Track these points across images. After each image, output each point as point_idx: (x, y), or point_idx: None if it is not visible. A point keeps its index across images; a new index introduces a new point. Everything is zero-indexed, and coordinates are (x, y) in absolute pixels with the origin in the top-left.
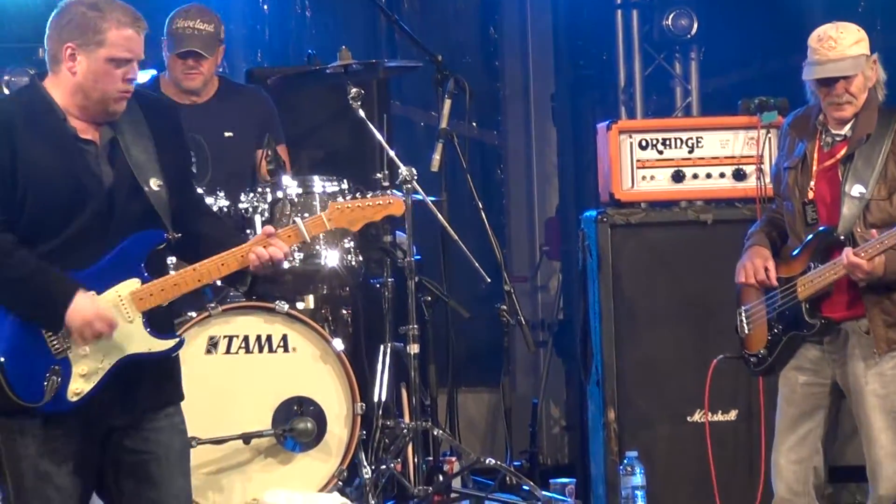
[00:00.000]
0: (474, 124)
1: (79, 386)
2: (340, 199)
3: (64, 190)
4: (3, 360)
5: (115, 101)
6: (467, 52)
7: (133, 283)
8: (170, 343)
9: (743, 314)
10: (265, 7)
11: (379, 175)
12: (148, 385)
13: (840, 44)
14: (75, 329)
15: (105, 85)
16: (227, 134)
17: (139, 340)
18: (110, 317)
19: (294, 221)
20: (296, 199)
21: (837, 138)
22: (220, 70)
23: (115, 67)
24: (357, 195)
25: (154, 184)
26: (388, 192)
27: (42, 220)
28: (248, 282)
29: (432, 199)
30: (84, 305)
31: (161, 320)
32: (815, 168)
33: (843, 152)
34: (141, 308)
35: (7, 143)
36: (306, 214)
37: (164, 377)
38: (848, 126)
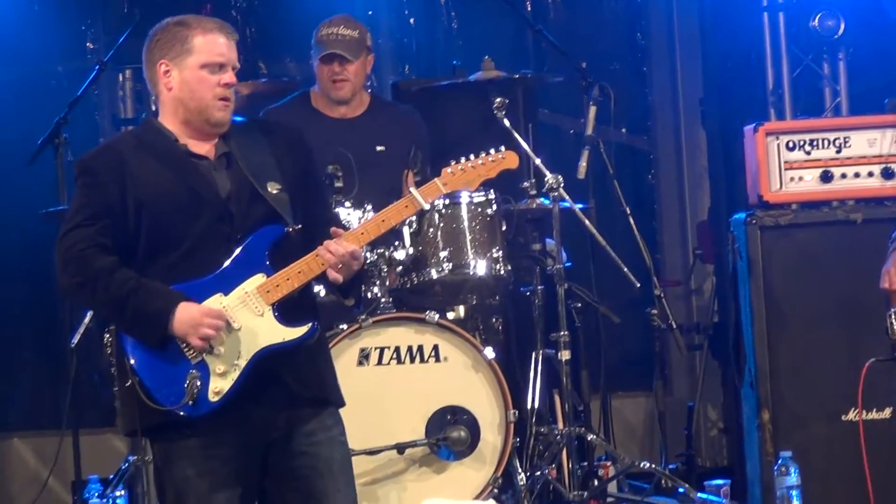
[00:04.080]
0: (624, 130)
1: (218, 385)
2: (453, 162)
3: (179, 202)
4: (140, 374)
5: (215, 108)
6: (615, 58)
7: (258, 278)
8: (302, 330)
9: (892, 316)
10: (412, 20)
11: (526, 183)
12: (298, 383)
13: None
14: (186, 337)
15: (201, 93)
16: (378, 148)
17: (271, 332)
18: (215, 312)
19: (410, 192)
20: (443, 210)
21: None
22: (369, 84)
23: (209, 74)
24: (471, 156)
25: (273, 188)
26: (501, 147)
27: (161, 233)
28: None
29: (581, 206)
30: (186, 313)
31: (292, 310)
32: None
33: None
34: (269, 300)
35: (117, 173)
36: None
37: (313, 374)
38: None
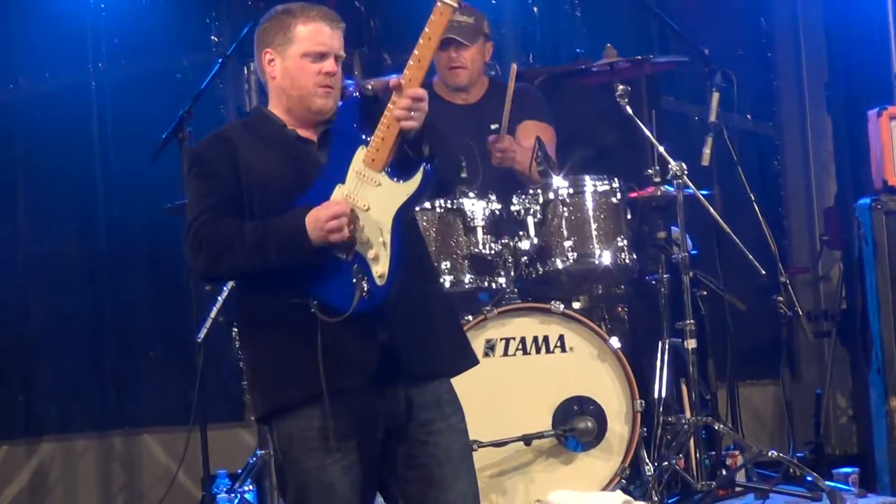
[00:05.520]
0: (749, 116)
1: (378, 269)
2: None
3: (290, 185)
4: (316, 294)
5: (315, 96)
6: (739, 44)
7: (360, 152)
8: (418, 175)
9: None
10: (535, 9)
11: (650, 171)
12: (415, 358)
13: None
14: (324, 241)
15: (301, 81)
16: (494, 127)
17: (396, 193)
18: (331, 203)
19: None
20: (567, 200)
21: None
22: (492, 73)
23: (310, 63)
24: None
25: None
26: None
27: (272, 214)
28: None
29: (704, 193)
30: (311, 219)
31: (402, 165)
32: None
33: None
34: (378, 167)
35: (229, 160)
36: None
37: (431, 344)
38: None
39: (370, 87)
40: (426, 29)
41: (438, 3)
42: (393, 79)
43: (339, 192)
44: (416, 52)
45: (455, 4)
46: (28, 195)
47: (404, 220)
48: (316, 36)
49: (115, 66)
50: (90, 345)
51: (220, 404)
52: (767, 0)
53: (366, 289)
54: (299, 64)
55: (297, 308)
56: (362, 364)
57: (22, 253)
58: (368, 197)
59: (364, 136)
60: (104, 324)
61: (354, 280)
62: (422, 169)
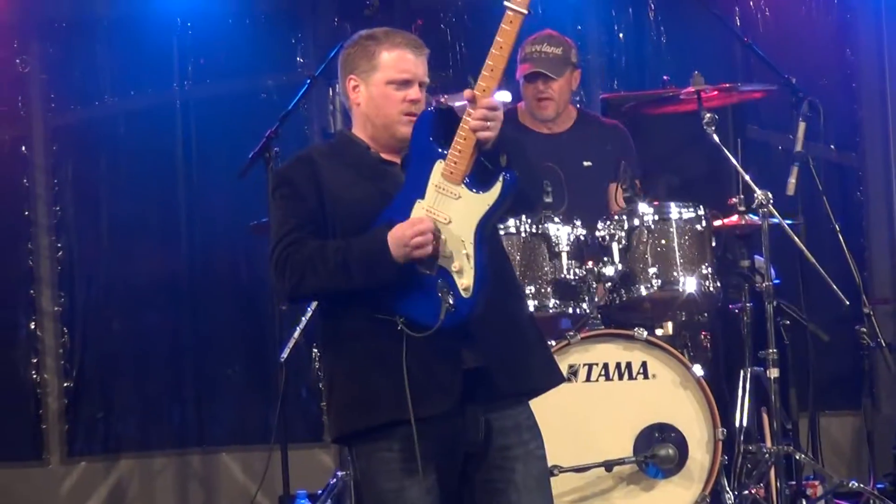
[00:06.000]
0: (832, 147)
1: (462, 282)
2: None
3: (372, 205)
4: (401, 313)
5: (400, 124)
6: (824, 74)
7: (438, 166)
8: (497, 186)
9: None
10: (621, 35)
11: (734, 199)
12: (498, 375)
13: None
14: (408, 258)
15: (386, 109)
16: (585, 163)
17: (476, 204)
18: (415, 220)
19: (506, 5)
20: (652, 226)
21: None
22: (578, 99)
23: (394, 90)
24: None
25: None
26: None
27: (355, 234)
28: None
29: (789, 222)
30: (394, 237)
31: (481, 175)
32: None
33: None
34: (457, 180)
35: (313, 182)
36: None
37: (513, 363)
38: None
39: (444, 100)
40: (497, 38)
41: (508, 11)
42: (466, 91)
43: (419, 207)
44: (488, 61)
45: (525, 11)
46: (111, 212)
47: (486, 233)
48: (400, 63)
49: (200, 85)
50: (170, 362)
51: (299, 424)
52: (853, 31)
53: (451, 302)
54: (384, 91)
55: (381, 326)
56: (447, 388)
57: (104, 270)
58: (449, 210)
59: (441, 150)
60: (184, 342)
61: (440, 294)
62: (500, 179)
